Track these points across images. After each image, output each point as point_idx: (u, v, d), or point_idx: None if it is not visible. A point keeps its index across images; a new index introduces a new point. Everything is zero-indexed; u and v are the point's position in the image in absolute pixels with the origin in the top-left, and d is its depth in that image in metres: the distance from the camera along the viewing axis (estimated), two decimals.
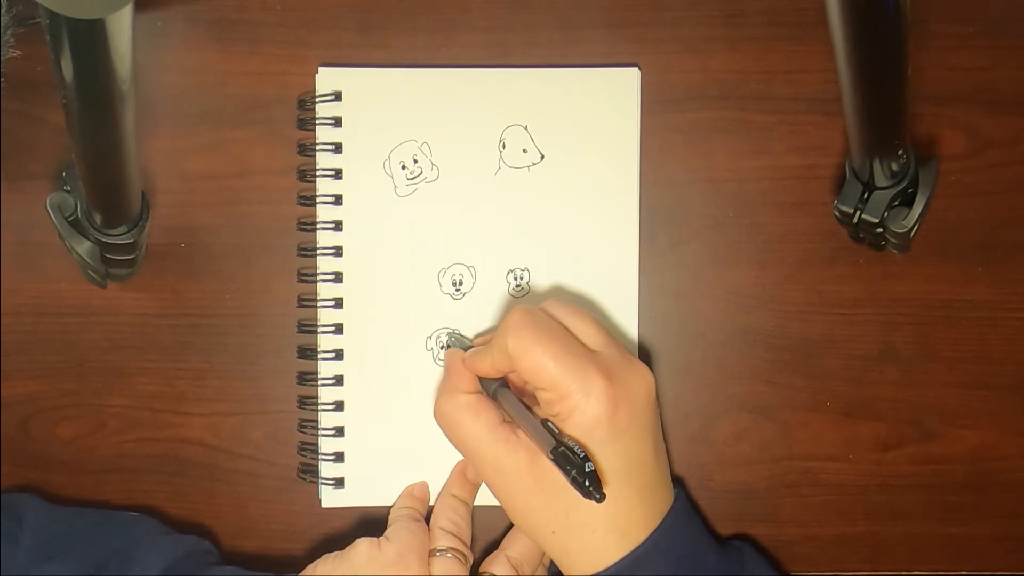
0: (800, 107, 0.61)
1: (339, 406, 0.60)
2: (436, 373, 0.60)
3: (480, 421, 0.55)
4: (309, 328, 0.60)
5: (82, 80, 0.40)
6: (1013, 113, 0.60)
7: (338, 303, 0.60)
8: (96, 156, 0.47)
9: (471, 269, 0.60)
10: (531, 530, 0.55)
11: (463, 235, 0.60)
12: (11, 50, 0.55)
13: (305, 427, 0.61)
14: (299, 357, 0.61)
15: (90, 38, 0.37)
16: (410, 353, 0.60)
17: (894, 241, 0.57)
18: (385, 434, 0.60)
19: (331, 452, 0.60)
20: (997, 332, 0.61)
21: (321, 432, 0.60)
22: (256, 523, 0.61)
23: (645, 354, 0.61)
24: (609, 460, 0.52)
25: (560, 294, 0.60)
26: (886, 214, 0.55)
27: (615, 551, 0.53)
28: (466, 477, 0.60)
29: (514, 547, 0.58)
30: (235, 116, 0.60)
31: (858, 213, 0.56)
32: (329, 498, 0.61)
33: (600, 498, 0.49)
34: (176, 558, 0.56)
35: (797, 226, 0.61)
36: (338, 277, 0.60)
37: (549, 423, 0.52)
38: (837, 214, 0.57)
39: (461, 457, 0.59)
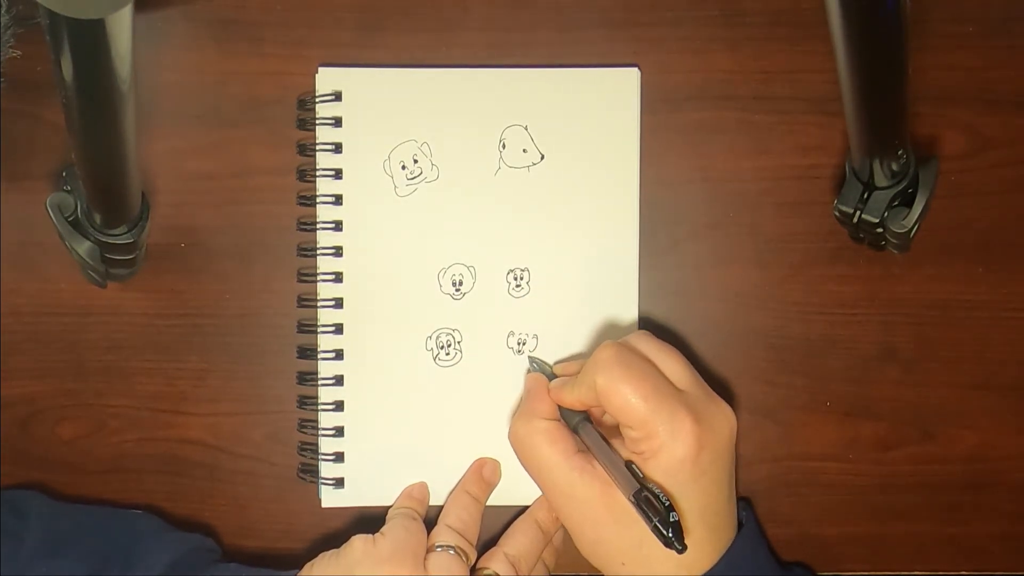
0: (800, 107, 0.61)
1: (339, 406, 0.60)
2: (436, 373, 0.60)
3: (556, 448, 0.55)
4: (309, 328, 0.60)
5: (82, 80, 0.40)
6: (1013, 113, 0.60)
7: (338, 303, 0.60)
8: (96, 156, 0.47)
9: (471, 269, 0.60)
10: (599, 559, 0.55)
11: (463, 235, 0.60)
12: (11, 50, 0.55)
13: (305, 427, 0.61)
14: (299, 357, 0.61)
15: (90, 38, 0.37)
16: (410, 353, 0.60)
17: (894, 241, 0.57)
18: (385, 434, 0.60)
19: (331, 452, 0.60)
20: (997, 332, 0.61)
21: (321, 432, 0.60)
22: (256, 523, 0.61)
23: None
24: (688, 501, 0.52)
25: (560, 294, 0.60)
26: (886, 214, 0.55)
27: None
28: (483, 476, 0.60)
29: (512, 545, 0.58)
30: (235, 116, 0.60)
31: (858, 213, 0.56)
32: (329, 498, 0.61)
33: (681, 550, 0.50)
34: (180, 555, 0.56)
35: (797, 226, 0.61)
36: (338, 277, 0.60)
37: (633, 466, 0.53)
38: (837, 214, 0.57)
39: (461, 460, 0.59)
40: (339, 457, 0.60)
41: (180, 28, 0.60)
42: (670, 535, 0.50)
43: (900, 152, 0.53)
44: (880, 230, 0.56)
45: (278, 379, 0.61)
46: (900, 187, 0.55)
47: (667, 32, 0.60)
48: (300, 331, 0.61)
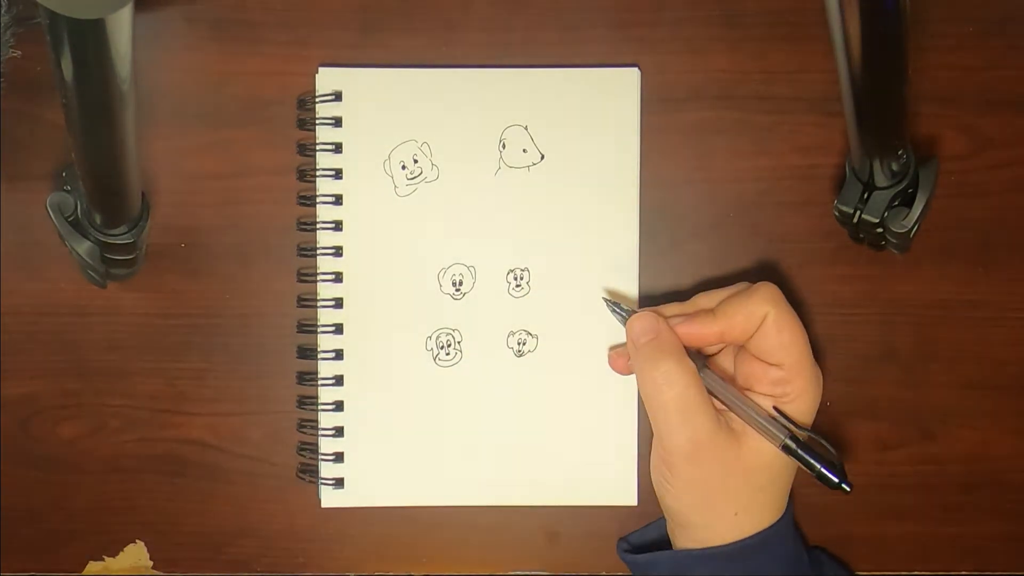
0: (800, 107, 0.61)
1: (339, 406, 0.60)
2: (436, 373, 0.60)
3: (702, 393, 0.53)
4: (309, 328, 0.60)
5: (82, 80, 0.40)
6: (1013, 113, 0.60)
7: (338, 303, 0.60)
8: (96, 156, 0.47)
9: (471, 269, 0.60)
10: (710, 510, 0.54)
11: (463, 235, 0.60)
12: (11, 50, 0.55)
13: (305, 427, 0.61)
14: (299, 357, 0.61)
15: (90, 38, 0.37)
16: (410, 353, 0.60)
17: (894, 241, 0.57)
18: (385, 434, 0.60)
19: (331, 452, 0.60)
20: (997, 332, 0.61)
21: (321, 432, 0.60)
22: (256, 523, 0.61)
23: None
24: None
25: (560, 294, 0.60)
26: (886, 214, 0.55)
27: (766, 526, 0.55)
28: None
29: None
30: (235, 116, 0.60)
31: (858, 213, 0.56)
32: (329, 498, 0.61)
33: (850, 487, 0.52)
34: None
35: (797, 226, 0.61)
36: (338, 277, 0.60)
37: (778, 411, 0.53)
38: (837, 214, 0.57)
39: (461, 460, 0.59)
40: (339, 457, 0.60)
41: (180, 28, 0.60)
42: (838, 478, 0.51)
43: (900, 152, 0.53)
44: (880, 230, 0.56)
45: (278, 379, 0.61)
46: (900, 187, 0.55)
47: (667, 32, 0.60)
48: (300, 331, 0.61)
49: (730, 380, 0.56)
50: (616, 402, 0.60)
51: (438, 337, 0.60)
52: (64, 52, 0.38)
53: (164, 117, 0.60)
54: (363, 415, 0.60)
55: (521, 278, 0.60)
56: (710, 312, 0.55)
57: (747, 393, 0.55)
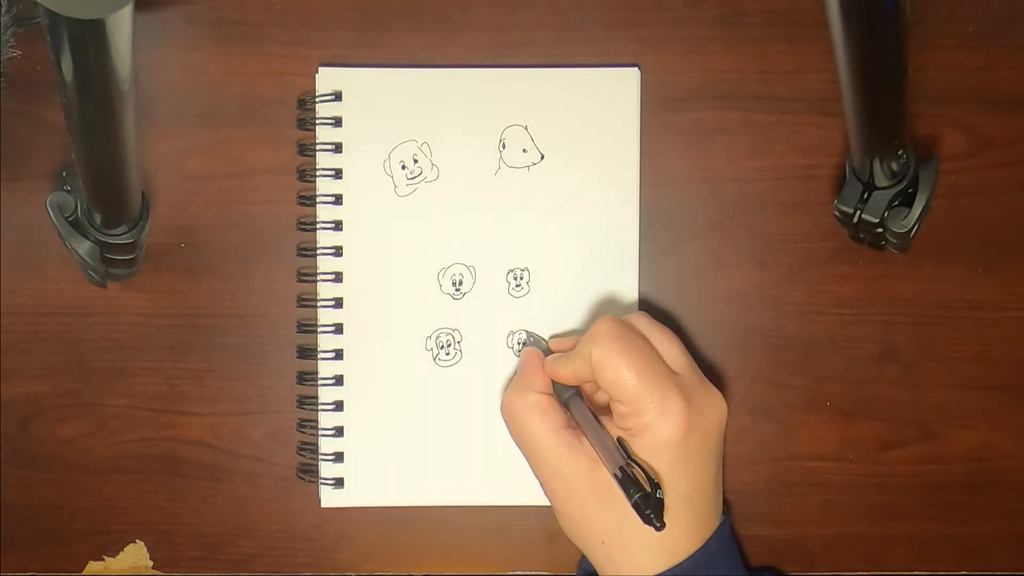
0: (800, 107, 0.61)
1: (339, 406, 0.60)
2: (436, 373, 0.60)
3: (546, 422, 0.55)
4: (309, 328, 0.60)
5: (82, 80, 0.40)
6: (1013, 113, 0.60)
7: (338, 303, 0.60)
8: (96, 156, 0.47)
9: (471, 269, 0.60)
10: (580, 536, 0.56)
11: (463, 235, 0.60)
12: (11, 50, 0.55)
13: (305, 427, 0.61)
14: (299, 357, 0.61)
15: (90, 38, 0.37)
16: (410, 353, 0.60)
17: (894, 241, 0.57)
18: (385, 434, 0.60)
19: (331, 452, 0.60)
20: (997, 332, 0.61)
21: (321, 432, 0.60)
22: (256, 523, 0.61)
23: None
24: (674, 482, 0.53)
25: (560, 294, 0.60)
26: (886, 214, 0.55)
27: (661, 567, 0.54)
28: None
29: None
30: (235, 116, 0.60)
31: (858, 213, 0.56)
32: (329, 498, 0.61)
33: (660, 527, 0.50)
34: None
35: (797, 226, 0.61)
36: (338, 277, 0.60)
37: (621, 441, 0.53)
38: (837, 214, 0.57)
39: (461, 459, 0.59)
40: (339, 457, 0.60)
41: (180, 28, 0.60)
42: (648, 512, 0.50)
43: (900, 152, 0.53)
44: (880, 230, 0.56)
45: (278, 379, 0.61)
46: (900, 187, 0.55)
47: (667, 32, 0.60)
48: (300, 331, 0.61)
49: (603, 409, 0.56)
50: None
51: (438, 337, 0.60)
52: (64, 52, 0.38)
53: (164, 117, 0.60)
54: (363, 415, 0.60)
55: (521, 278, 0.60)
56: (568, 353, 0.56)
57: (607, 424, 0.55)
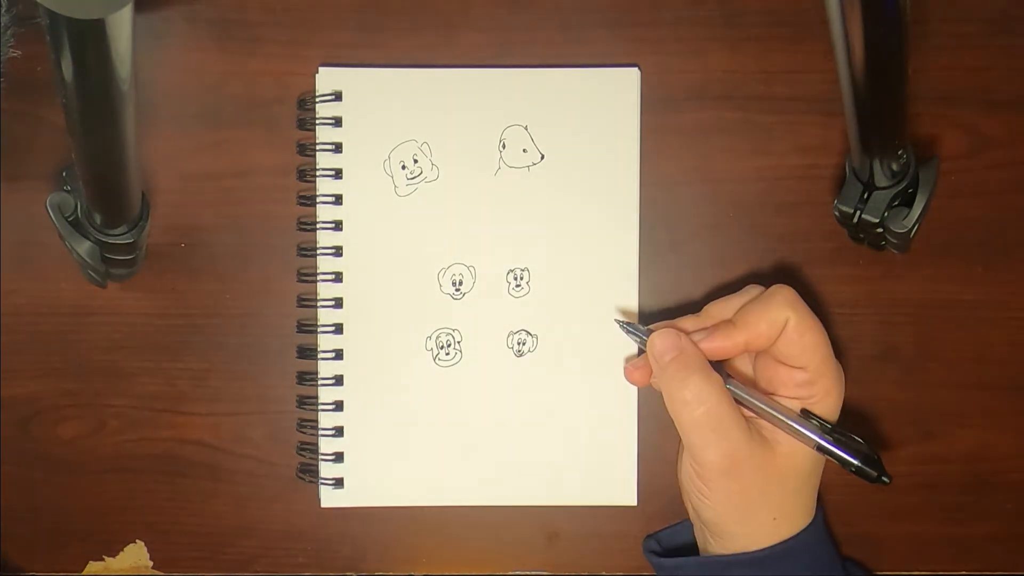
0: (800, 107, 0.61)
1: (339, 406, 0.60)
2: (436, 373, 0.60)
3: (737, 412, 0.53)
4: (309, 328, 0.60)
5: (82, 80, 0.40)
6: (1013, 113, 0.60)
7: (338, 303, 0.60)
8: (96, 156, 0.47)
9: (471, 269, 0.60)
10: (751, 519, 0.54)
11: (463, 235, 0.60)
12: (11, 50, 0.55)
13: (305, 427, 0.61)
14: (299, 357, 0.61)
15: (90, 38, 0.37)
16: (410, 353, 0.60)
17: (894, 241, 0.57)
18: (385, 434, 0.60)
19: (331, 452, 0.60)
20: (997, 332, 0.61)
21: (321, 432, 0.60)
22: (256, 523, 0.61)
23: None
24: None
25: (560, 294, 0.60)
26: (886, 214, 0.55)
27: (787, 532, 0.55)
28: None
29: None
30: (235, 116, 0.60)
31: (858, 213, 0.56)
32: (329, 498, 0.61)
33: (890, 479, 0.52)
34: None
35: (797, 226, 0.61)
36: (338, 277, 0.60)
37: (809, 412, 0.54)
38: (837, 214, 0.57)
39: (461, 460, 0.59)
40: (339, 457, 0.60)
41: (180, 28, 0.60)
42: (878, 473, 0.52)
43: (900, 152, 0.53)
44: (880, 230, 0.56)
45: (278, 379, 0.61)
46: (900, 187, 0.55)
47: (667, 32, 0.60)
48: (300, 331, 0.61)
49: (752, 385, 0.55)
50: (616, 402, 0.60)
51: (438, 337, 0.60)
52: (64, 52, 0.38)
53: (164, 117, 0.60)
54: (363, 415, 0.60)
55: (521, 278, 0.60)
56: (731, 323, 0.54)
57: (773, 397, 0.54)
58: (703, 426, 0.52)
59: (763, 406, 0.54)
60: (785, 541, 0.54)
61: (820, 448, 0.53)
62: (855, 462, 0.52)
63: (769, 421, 0.54)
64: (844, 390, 0.55)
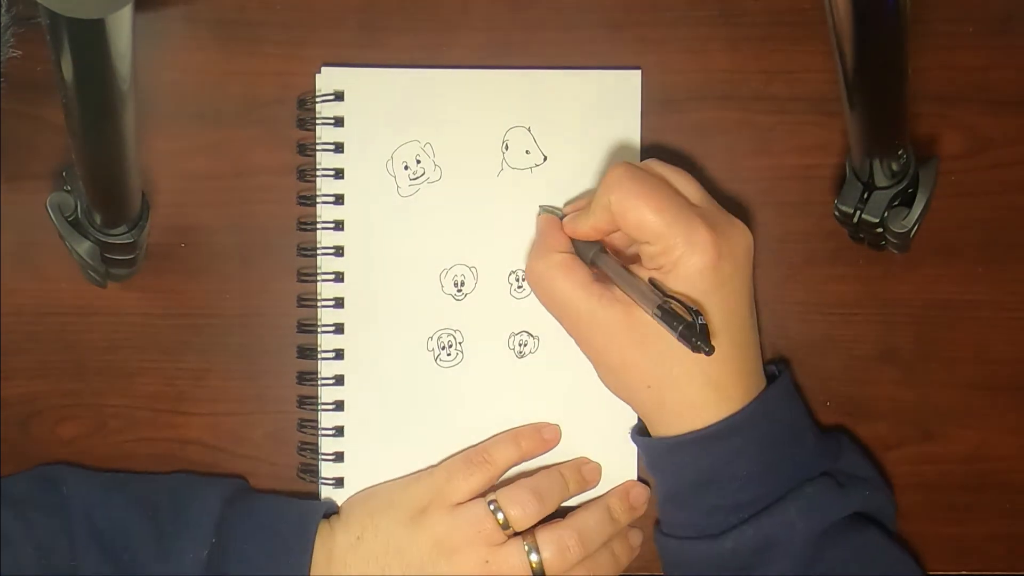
0: (800, 107, 0.61)
1: (339, 406, 0.60)
2: (437, 374, 0.60)
3: (574, 279, 0.55)
4: (309, 328, 0.60)
5: (82, 80, 0.40)
6: (1013, 113, 0.60)
7: (339, 303, 0.60)
8: (96, 156, 0.47)
9: (473, 270, 0.60)
10: (624, 387, 0.56)
11: (465, 236, 0.60)
12: (11, 50, 0.55)
13: (305, 427, 0.61)
14: (299, 357, 0.61)
15: (90, 38, 0.37)
16: (411, 353, 0.60)
17: (894, 241, 0.57)
18: (385, 434, 0.60)
19: (331, 452, 0.60)
20: (997, 332, 0.61)
21: (321, 432, 0.60)
22: None
23: None
24: (711, 312, 0.53)
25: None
26: (886, 214, 0.55)
27: (713, 406, 0.54)
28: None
29: (574, 520, 0.58)
30: (235, 116, 0.60)
31: (858, 213, 0.56)
32: (329, 498, 0.61)
33: (710, 351, 0.50)
34: (231, 492, 0.58)
35: (797, 226, 0.61)
36: (339, 277, 0.60)
37: (654, 281, 0.53)
38: (837, 214, 0.57)
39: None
40: (339, 457, 0.60)
41: (180, 28, 0.60)
42: (695, 340, 0.50)
43: (900, 152, 0.53)
44: (880, 230, 0.56)
45: (278, 379, 0.61)
46: (900, 187, 0.55)
47: (667, 32, 0.60)
48: (300, 331, 0.61)
49: (629, 262, 0.56)
50: (616, 403, 0.59)
51: (439, 337, 0.60)
52: (64, 52, 0.38)
53: (164, 117, 0.60)
54: (363, 415, 0.60)
55: (522, 279, 0.60)
56: (585, 208, 0.56)
57: (635, 270, 0.55)
58: (542, 299, 0.57)
59: (616, 277, 0.54)
60: (725, 419, 0.53)
61: (656, 315, 0.52)
62: (675, 331, 0.50)
63: (623, 291, 0.54)
64: (709, 259, 0.52)
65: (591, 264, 0.56)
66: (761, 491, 0.54)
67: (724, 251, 0.53)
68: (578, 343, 0.57)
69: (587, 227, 0.56)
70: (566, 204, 0.60)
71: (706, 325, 0.51)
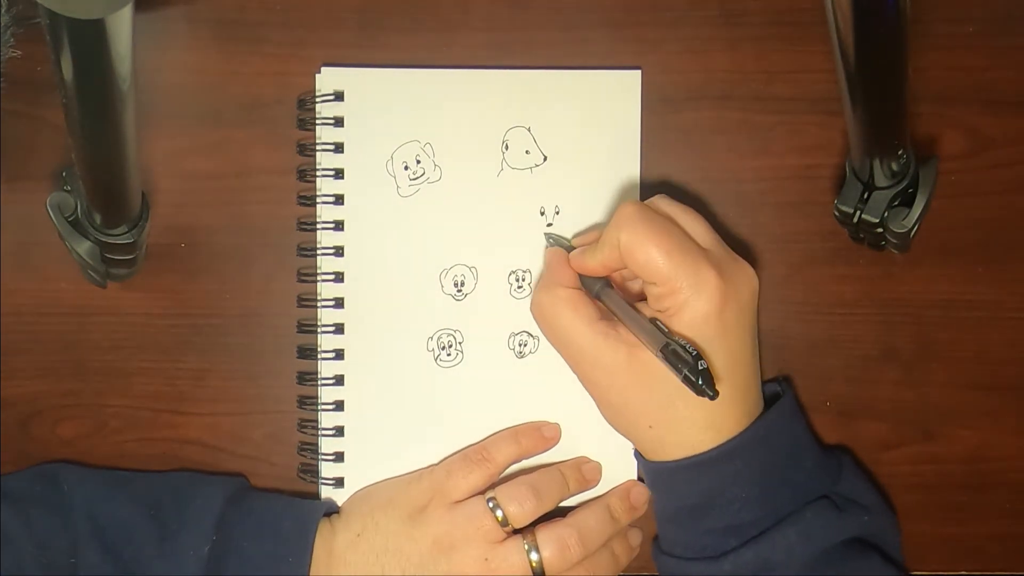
0: (800, 107, 0.61)
1: (339, 406, 0.60)
2: (437, 374, 0.60)
3: (580, 315, 0.55)
4: (309, 328, 0.60)
5: (82, 80, 0.40)
6: (1013, 113, 0.60)
7: (339, 303, 0.60)
8: (96, 156, 0.47)
9: (473, 270, 0.60)
10: (626, 425, 0.56)
11: (465, 236, 0.60)
12: (11, 50, 0.55)
13: (305, 427, 0.61)
14: (299, 357, 0.61)
15: (90, 38, 0.37)
16: (411, 354, 0.60)
17: (894, 241, 0.57)
18: (385, 434, 0.60)
19: (331, 452, 0.60)
20: (997, 332, 0.61)
21: (321, 432, 0.60)
22: None
23: None
24: (715, 357, 0.53)
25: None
26: (886, 214, 0.55)
27: (709, 446, 0.54)
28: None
29: (574, 519, 0.58)
30: (235, 116, 0.60)
31: (858, 213, 0.56)
32: (329, 498, 0.61)
33: (713, 395, 0.50)
34: (232, 491, 0.58)
35: (797, 226, 0.61)
36: (339, 277, 0.60)
37: (658, 321, 0.53)
38: (837, 214, 0.57)
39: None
40: (339, 457, 0.60)
41: (180, 28, 0.60)
42: (700, 382, 0.50)
43: (900, 152, 0.53)
44: (880, 230, 0.56)
45: (278, 379, 0.61)
46: (900, 187, 0.55)
47: (667, 32, 0.60)
48: (300, 331, 0.61)
49: (636, 299, 0.56)
50: None
51: (439, 338, 0.60)
52: (64, 52, 0.38)
53: (164, 117, 0.60)
54: (363, 415, 0.60)
55: (523, 279, 0.60)
56: (593, 244, 0.56)
57: (640, 309, 0.55)
58: (546, 333, 0.57)
59: (622, 315, 0.54)
60: (721, 444, 0.54)
61: (661, 355, 0.52)
62: (680, 374, 0.50)
63: (630, 329, 0.54)
64: (714, 305, 0.52)
65: (596, 298, 0.56)
66: (760, 514, 0.54)
67: (730, 296, 0.53)
68: (580, 379, 0.57)
69: (595, 263, 0.55)
70: (574, 236, 0.60)
71: (708, 369, 0.51)
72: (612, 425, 0.57)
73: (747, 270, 0.55)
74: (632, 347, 0.54)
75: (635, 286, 0.57)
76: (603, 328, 0.55)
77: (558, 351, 0.57)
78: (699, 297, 0.52)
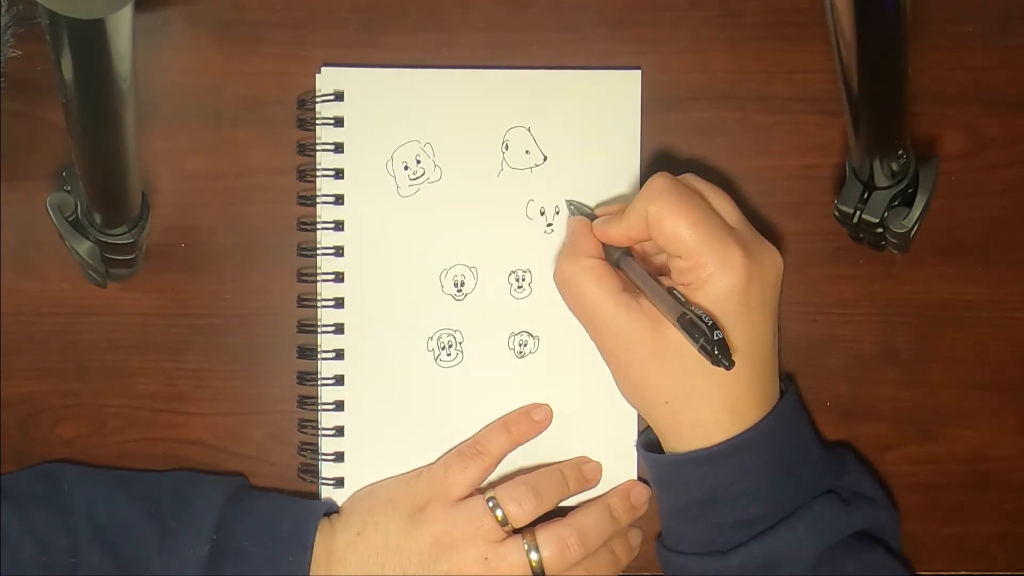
0: (800, 107, 0.61)
1: (339, 406, 0.60)
2: (437, 374, 0.60)
3: (603, 286, 0.55)
4: (309, 328, 0.60)
5: (82, 80, 0.40)
6: (1013, 113, 0.60)
7: (339, 303, 0.60)
8: (96, 156, 0.47)
9: (473, 270, 0.60)
10: (643, 399, 0.56)
11: (465, 236, 0.60)
12: (11, 50, 0.55)
13: (305, 427, 0.61)
14: (299, 357, 0.61)
15: (90, 38, 0.37)
16: (411, 354, 0.60)
17: (894, 241, 0.57)
18: (385, 434, 0.60)
19: (331, 452, 0.60)
20: (997, 332, 0.61)
21: (321, 432, 0.60)
22: None
23: None
24: (735, 334, 0.53)
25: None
26: (886, 214, 0.55)
27: (726, 428, 0.54)
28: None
29: (574, 519, 0.58)
30: (235, 116, 0.60)
31: (858, 213, 0.56)
32: (329, 498, 0.61)
33: (729, 365, 0.50)
34: (233, 491, 0.58)
35: (797, 226, 0.61)
36: (339, 277, 0.60)
37: (676, 291, 0.53)
38: (837, 214, 0.57)
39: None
40: (339, 457, 0.60)
41: (180, 28, 0.60)
42: (716, 352, 0.50)
43: (900, 152, 0.53)
44: (880, 230, 0.56)
45: (278, 379, 0.61)
46: (900, 187, 0.55)
47: (667, 32, 0.60)
48: (300, 331, 0.61)
49: (657, 272, 0.56)
50: (616, 403, 0.60)
51: (439, 338, 0.60)
52: (64, 52, 0.38)
53: (164, 117, 0.60)
54: (364, 415, 0.60)
55: (523, 279, 0.60)
56: (619, 214, 0.56)
57: (659, 279, 0.55)
58: (569, 303, 0.57)
59: (643, 286, 0.54)
60: (735, 437, 0.53)
61: (678, 324, 0.52)
62: (696, 343, 0.50)
63: (649, 300, 0.54)
64: (739, 282, 0.52)
65: (615, 266, 0.56)
66: (768, 508, 0.54)
67: (755, 275, 0.53)
68: (600, 350, 0.57)
69: (620, 233, 0.55)
70: (597, 206, 0.60)
71: (724, 339, 0.51)
72: (627, 398, 0.57)
73: (773, 252, 0.55)
74: (654, 321, 0.54)
75: (657, 260, 0.57)
76: (626, 300, 0.55)
77: (579, 320, 0.57)
78: (724, 273, 0.52)
